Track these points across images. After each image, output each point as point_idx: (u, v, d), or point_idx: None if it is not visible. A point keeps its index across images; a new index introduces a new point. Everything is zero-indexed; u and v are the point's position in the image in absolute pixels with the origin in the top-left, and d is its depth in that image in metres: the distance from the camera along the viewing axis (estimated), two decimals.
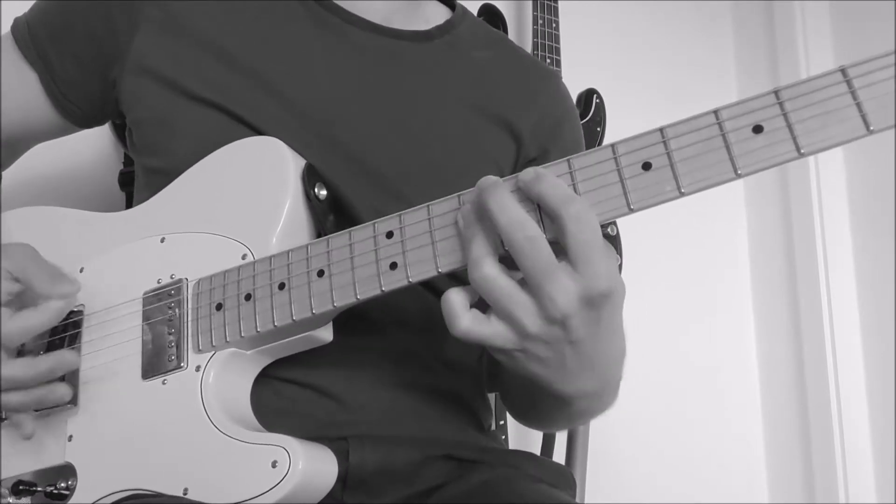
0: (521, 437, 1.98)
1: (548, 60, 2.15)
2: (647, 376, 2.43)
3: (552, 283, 0.79)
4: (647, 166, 0.79)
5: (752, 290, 2.75)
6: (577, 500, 1.20)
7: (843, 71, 0.74)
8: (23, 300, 1.00)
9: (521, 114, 1.20)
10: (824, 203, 2.58)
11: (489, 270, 0.81)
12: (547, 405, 1.02)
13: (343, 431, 1.01)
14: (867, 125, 0.73)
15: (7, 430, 1.03)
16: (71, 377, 1.01)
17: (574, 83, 2.19)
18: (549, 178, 0.80)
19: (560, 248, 0.80)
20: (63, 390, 0.99)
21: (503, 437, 1.82)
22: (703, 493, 2.40)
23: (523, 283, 0.81)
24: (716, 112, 0.78)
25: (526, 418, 1.19)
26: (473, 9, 1.33)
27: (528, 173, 0.81)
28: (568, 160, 0.82)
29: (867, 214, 2.57)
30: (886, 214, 2.48)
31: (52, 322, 0.99)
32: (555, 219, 0.79)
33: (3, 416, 1.03)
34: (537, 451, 1.72)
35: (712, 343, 2.61)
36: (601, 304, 0.81)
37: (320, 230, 1.00)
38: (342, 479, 0.97)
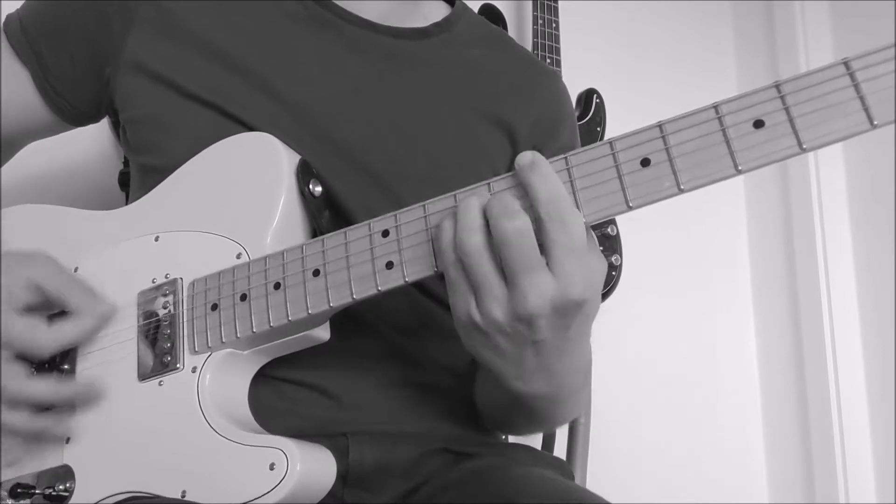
0: (521, 437, 1.97)
1: (548, 60, 2.15)
2: (647, 376, 2.43)
3: (529, 279, 0.79)
4: (645, 162, 0.78)
5: (752, 289, 2.75)
6: None
7: (846, 63, 0.73)
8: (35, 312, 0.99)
9: (517, 113, 1.20)
10: (824, 203, 2.58)
11: (475, 243, 0.80)
12: (504, 401, 1.02)
13: (342, 428, 1.01)
14: (871, 119, 0.72)
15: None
16: (68, 378, 1.01)
17: (574, 83, 2.18)
18: (543, 169, 0.80)
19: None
20: (61, 430, 0.98)
21: (503, 437, 1.82)
22: (703, 493, 2.40)
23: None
24: (716, 106, 0.77)
25: (491, 419, 1.16)
26: (473, 9, 1.32)
27: (525, 157, 0.81)
28: (565, 157, 0.82)
29: (867, 214, 2.57)
30: (886, 214, 2.48)
31: (85, 339, 0.99)
32: (536, 214, 0.79)
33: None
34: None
35: (712, 343, 2.61)
36: (572, 311, 0.81)
37: (315, 227, 1.00)
38: (342, 476, 0.97)
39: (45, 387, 0.96)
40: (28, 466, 1.00)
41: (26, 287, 0.98)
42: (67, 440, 0.99)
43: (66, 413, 0.99)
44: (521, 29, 2.37)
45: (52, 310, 1.00)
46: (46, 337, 0.96)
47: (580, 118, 2.23)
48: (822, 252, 2.54)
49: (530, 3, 2.24)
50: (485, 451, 1.09)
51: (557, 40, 2.20)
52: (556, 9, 2.23)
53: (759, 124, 0.75)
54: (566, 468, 1.17)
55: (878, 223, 2.51)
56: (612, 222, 2.18)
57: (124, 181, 1.53)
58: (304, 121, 1.08)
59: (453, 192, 0.85)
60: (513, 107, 1.20)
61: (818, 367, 2.51)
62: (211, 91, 1.07)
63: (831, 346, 2.49)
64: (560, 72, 2.15)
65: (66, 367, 1.01)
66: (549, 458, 1.19)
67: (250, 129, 1.05)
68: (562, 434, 1.68)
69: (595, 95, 2.28)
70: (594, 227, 2.01)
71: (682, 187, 0.77)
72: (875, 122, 0.72)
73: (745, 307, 2.73)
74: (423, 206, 0.87)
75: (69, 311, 0.99)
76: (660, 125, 0.79)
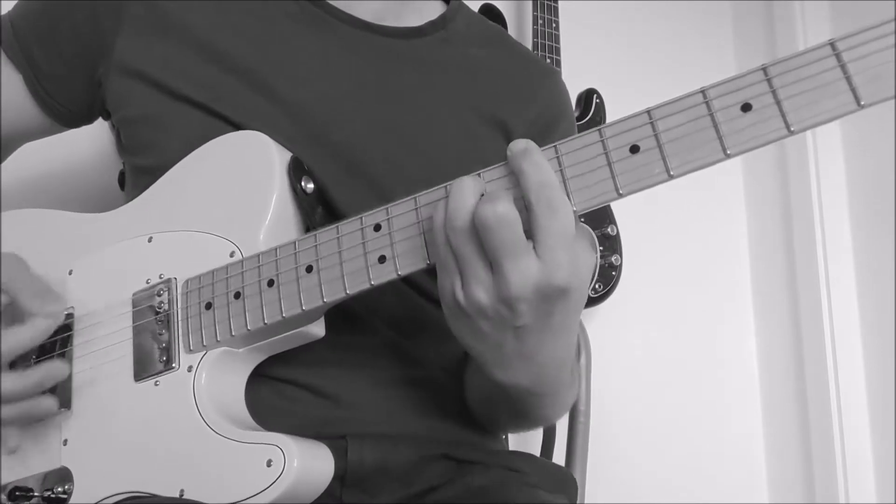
0: (521, 436, 1.97)
1: (548, 60, 2.15)
2: (647, 376, 2.44)
3: (510, 263, 0.78)
4: (634, 149, 0.78)
5: (752, 289, 2.74)
6: (577, 500, 1.19)
7: (832, 45, 0.73)
8: (10, 312, 0.99)
9: (515, 113, 1.19)
10: (824, 203, 2.57)
11: (463, 222, 0.80)
12: (489, 394, 1.02)
13: (341, 429, 1.01)
14: (857, 100, 0.72)
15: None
16: (64, 381, 1.01)
17: (574, 83, 2.18)
18: (535, 157, 0.79)
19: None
20: (49, 403, 0.98)
21: (503, 436, 1.82)
22: (703, 493, 2.40)
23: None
24: (703, 91, 0.77)
25: (478, 415, 1.15)
26: (473, 9, 1.32)
27: (518, 144, 0.81)
28: (555, 146, 0.81)
29: (867, 214, 2.56)
30: (886, 214, 2.47)
31: (40, 339, 0.98)
32: (527, 201, 0.79)
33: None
34: (537, 451, 1.72)
35: (712, 343, 2.61)
36: (555, 297, 0.81)
37: (308, 224, 1.00)
38: (340, 477, 0.97)
39: (10, 381, 0.96)
40: (26, 469, 1.01)
41: None
42: (65, 442, 0.99)
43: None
44: (521, 29, 2.37)
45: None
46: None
47: (580, 118, 2.23)
48: (822, 252, 2.54)
49: (530, 3, 2.24)
50: (486, 459, 1.09)
51: (557, 40, 2.20)
52: (556, 9, 2.23)
53: (746, 108, 0.75)
54: (570, 480, 1.17)
55: (878, 223, 2.50)
56: (612, 222, 2.18)
57: (124, 181, 1.53)
58: (300, 121, 1.07)
59: (445, 184, 0.85)
60: (511, 107, 1.19)
61: (818, 367, 2.51)
62: (204, 91, 1.07)
63: (831, 346, 2.49)
64: (560, 72, 2.15)
65: None
66: (553, 469, 1.19)
67: (243, 128, 1.05)
68: (562, 434, 1.68)
69: (595, 95, 2.28)
70: (595, 227, 2.01)
71: (671, 173, 0.77)
72: (862, 103, 0.72)
73: (745, 307, 2.73)
74: (415, 198, 0.87)
75: (21, 309, 0.98)
76: (648, 111, 0.79)
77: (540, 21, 2.20)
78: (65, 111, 1.18)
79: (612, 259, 2.16)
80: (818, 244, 2.54)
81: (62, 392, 1.00)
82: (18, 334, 0.96)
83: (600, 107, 2.27)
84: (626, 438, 2.33)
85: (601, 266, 2.15)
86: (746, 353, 2.69)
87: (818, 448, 2.48)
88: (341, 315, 0.99)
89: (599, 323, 2.23)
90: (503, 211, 0.77)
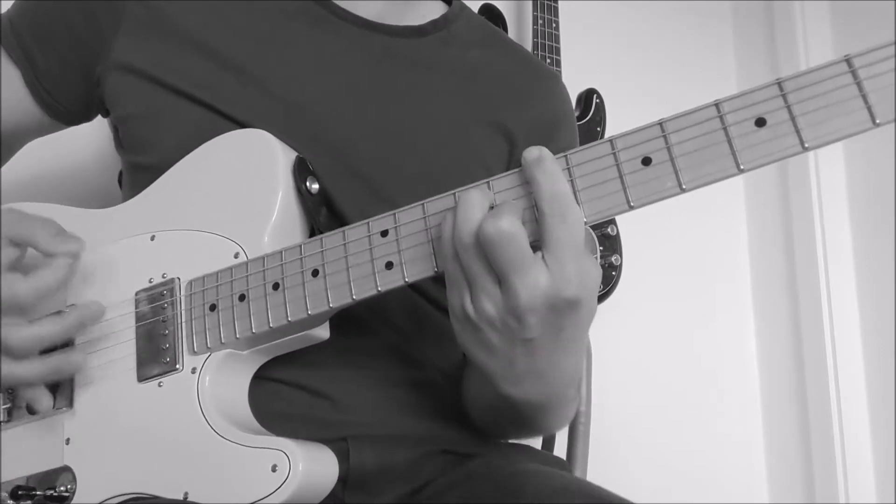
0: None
1: (548, 60, 2.15)
2: (647, 376, 2.43)
3: (518, 276, 0.78)
4: (647, 161, 0.78)
5: (752, 290, 2.74)
6: None
7: (848, 61, 0.72)
8: (24, 267, 0.99)
9: (515, 115, 1.19)
10: (824, 203, 2.57)
11: (470, 238, 0.80)
12: (492, 403, 1.01)
13: (341, 432, 1.00)
14: (873, 118, 0.71)
15: (5, 435, 1.02)
16: (66, 380, 1.00)
17: (574, 83, 2.18)
18: (547, 165, 0.79)
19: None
20: (78, 357, 0.98)
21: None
22: (703, 494, 2.40)
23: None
24: (717, 105, 0.76)
25: (477, 422, 1.14)
26: (473, 9, 1.31)
27: (531, 151, 0.80)
28: (566, 155, 0.81)
29: (867, 214, 2.56)
30: (886, 214, 2.47)
31: (65, 279, 0.98)
32: (538, 211, 0.78)
33: (3, 419, 1.03)
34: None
35: (712, 343, 2.61)
36: (565, 311, 0.81)
37: (312, 225, 0.99)
38: (343, 479, 0.97)
39: (49, 324, 0.95)
40: (29, 468, 1.00)
41: (6, 246, 0.98)
42: (68, 441, 0.99)
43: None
44: (521, 29, 2.37)
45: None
46: (24, 286, 0.95)
47: (580, 118, 2.23)
48: (822, 252, 2.54)
49: (530, 3, 2.23)
50: (485, 451, 1.09)
51: (557, 40, 2.20)
52: (556, 9, 2.22)
53: (760, 123, 0.75)
54: (566, 468, 1.17)
55: (878, 223, 2.50)
56: (613, 222, 2.18)
57: None
58: (298, 119, 1.07)
59: (452, 192, 0.85)
60: (511, 110, 1.19)
61: (818, 367, 2.51)
62: (202, 88, 1.07)
63: (831, 346, 2.49)
64: (560, 72, 2.14)
65: None
66: (550, 457, 1.19)
67: (242, 126, 1.05)
68: (562, 434, 1.68)
69: (595, 95, 2.28)
70: (594, 227, 2.00)
71: (683, 187, 0.77)
72: (877, 121, 0.71)
73: (745, 307, 2.73)
74: (423, 205, 0.86)
75: (40, 252, 0.98)
76: (660, 124, 0.78)
77: (540, 21, 2.19)
78: (63, 109, 1.18)
79: (612, 259, 2.16)
80: (818, 245, 2.54)
81: (64, 391, 1.00)
82: (40, 278, 0.96)
83: (600, 107, 2.27)
84: (627, 438, 2.33)
85: (601, 266, 2.15)
86: (746, 353, 2.69)
87: (818, 448, 2.48)
88: (343, 316, 0.98)
89: (599, 323, 2.22)
90: (506, 227, 0.77)
